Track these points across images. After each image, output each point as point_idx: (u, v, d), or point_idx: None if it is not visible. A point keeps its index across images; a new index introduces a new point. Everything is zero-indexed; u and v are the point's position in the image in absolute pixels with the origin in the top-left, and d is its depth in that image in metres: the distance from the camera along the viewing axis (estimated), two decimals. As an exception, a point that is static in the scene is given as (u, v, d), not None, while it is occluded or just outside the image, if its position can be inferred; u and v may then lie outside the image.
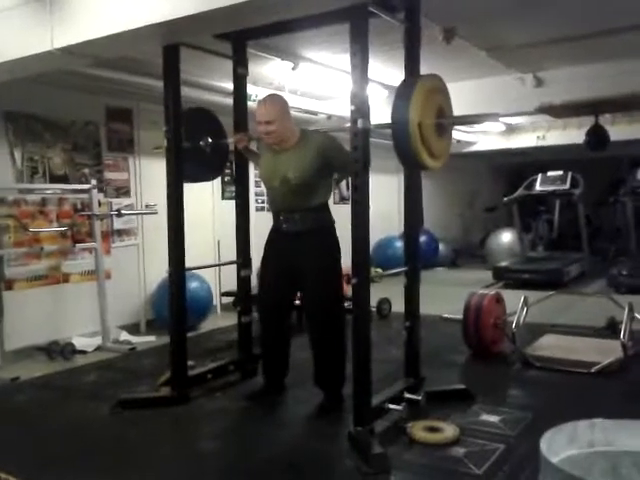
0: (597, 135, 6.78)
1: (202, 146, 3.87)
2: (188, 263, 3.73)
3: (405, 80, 2.98)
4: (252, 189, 6.79)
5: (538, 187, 8.86)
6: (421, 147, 2.73)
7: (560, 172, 8.78)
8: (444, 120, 2.90)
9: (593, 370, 3.95)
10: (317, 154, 3.30)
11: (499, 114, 3.01)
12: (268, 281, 3.60)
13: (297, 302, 3.84)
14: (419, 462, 2.73)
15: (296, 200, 3.37)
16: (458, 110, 5.86)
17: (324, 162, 3.32)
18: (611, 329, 4.85)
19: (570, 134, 8.55)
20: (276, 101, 3.40)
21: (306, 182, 3.32)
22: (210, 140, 3.90)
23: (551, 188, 8.77)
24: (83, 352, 4.86)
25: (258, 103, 3.42)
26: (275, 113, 3.30)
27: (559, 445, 1.51)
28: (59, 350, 4.76)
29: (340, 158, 3.28)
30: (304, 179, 3.31)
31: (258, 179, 7.18)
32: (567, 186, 8.64)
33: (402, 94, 2.75)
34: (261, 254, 3.66)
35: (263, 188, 7.32)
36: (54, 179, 5.11)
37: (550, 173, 8.85)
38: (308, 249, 3.38)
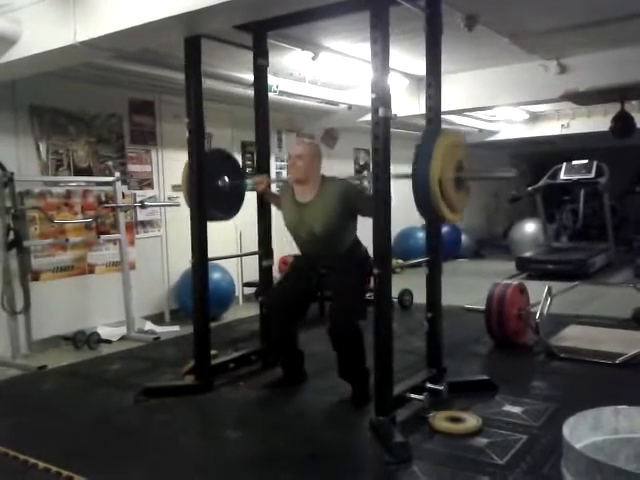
0: (623, 122, 6.64)
1: (220, 186, 3.89)
2: (210, 254, 3.77)
3: (426, 134, 3.00)
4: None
5: (562, 176, 8.73)
6: (441, 202, 2.81)
7: (585, 161, 8.64)
8: (463, 175, 2.95)
9: (618, 361, 3.90)
10: (339, 201, 3.34)
11: (514, 171, 3.13)
12: (289, 282, 3.63)
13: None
14: (441, 452, 2.73)
15: (324, 248, 3.42)
16: (480, 98, 5.86)
17: (346, 207, 3.35)
18: (637, 320, 4.77)
19: (595, 121, 8.40)
20: (311, 144, 3.64)
21: (332, 231, 3.38)
22: (228, 180, 3.93)
23: (576, 177, 8.63)
24: (108, 341, 4.94)
25: (297, 141, 3.58)
26: (307, 151, 3.45)
27: (582, 431, 1.50)
28: (85, 339, 4.84)
29: (361, 200, 3.30)
30: (329, 229, 3.37)
31: (279, 170, 7.23)
32: (592, 175, 8.49)
33: (423, 150, 2.81)
34: (282, 244, 3.68)
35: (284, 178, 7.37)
36: (78, 172, 5.18)
37: (575, 162, 8.71)
38: (336, 272, 3.41)
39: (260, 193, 3.90)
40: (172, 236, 5.88)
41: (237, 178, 4.02)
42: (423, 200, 2.81)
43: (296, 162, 3.42)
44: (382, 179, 2.82)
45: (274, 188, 3.96)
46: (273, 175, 6.80)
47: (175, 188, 3.96)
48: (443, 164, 2.79)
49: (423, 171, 2.76)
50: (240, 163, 4.19)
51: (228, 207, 4.05)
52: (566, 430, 1.43)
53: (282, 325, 3.54)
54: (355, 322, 3.26)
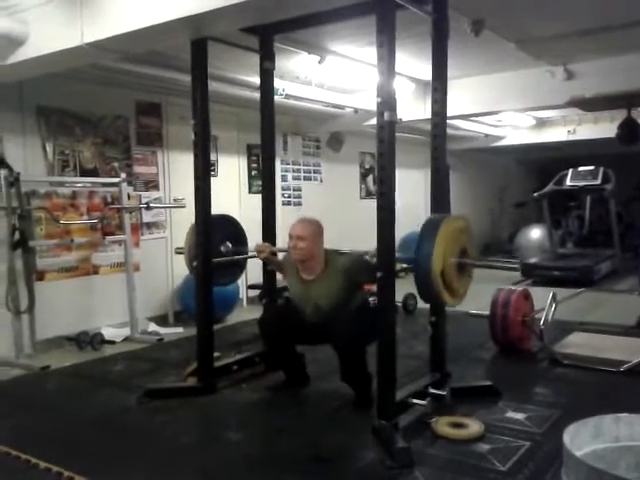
0: (629, 129, 6.62)
1: (223, 252, 3.93)
2: (215, 256, 3.76)
3: (429, 221, 2.96)
4: (278, 183, 6.83)
5: (569, 182, 8.69)
6: (443, 291, 2.82)
7: (591, 167, 8.61)
8: (467, 262, 2.97)
9: (622, 369, 3.88)
10: (343, 278, 3.37)
11: (519, 263, 3.23)
12: (292, 305, 3.64)
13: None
14: (443, 457, 2.72)
15: (330, 318, 3.39)
16: (486, 103, 5.85)
17: (351, 282, 3.39)
18: (642, 327, 4.75)
19: (602, 128, 8.38)
20: (312, 223, 3.52)
21: (338, 305, 3.39)
22: (231, 246, 3.99)
23: (582, 183, 8.60)
24: (112, 342, 4.95)
25: (296, 221, 3.53)
26: (308, 232, 3.41)
27: (583, 439, 1.49)
28: (88, 340, 4.85)
29: (366, 273, 3.28)
30: (336, 304, 3.39)
31: (284, 173, 7.25)
32: (598, 181, 8.46)
33: (425, 240, 2.80)
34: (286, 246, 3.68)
35: (289, 182, 7.40)
36: (84, 172, 5.19)
37: (581, 168, 8.67)
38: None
39: (262, 259, 3.87)
40: (177, 238, 5.87)
41: (240, 244, 4.06)
42: (425, 288, 2.82)
43: (297, 243, 3.40)
44: (387, 183, 2.82)
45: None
46: (278, 178, 6.82)
47: (177, 250, 4.01)
48: (445, 255, 2.79)
49: (425, 262, 2.76)
50: (244, 229, 4.23)
51: (230, 273, 4.11)
52: (567, 438, 1.42)
53: (283, 324, 3.54)
54: (358, 335, 3.23)
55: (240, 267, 4.24)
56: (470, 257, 3.00)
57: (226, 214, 4.17)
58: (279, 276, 4.28)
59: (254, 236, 4.15)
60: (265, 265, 4.11)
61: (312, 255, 3.43)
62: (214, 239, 3.81)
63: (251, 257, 4.09)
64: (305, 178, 7.71)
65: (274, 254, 3.84)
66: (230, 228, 4.12)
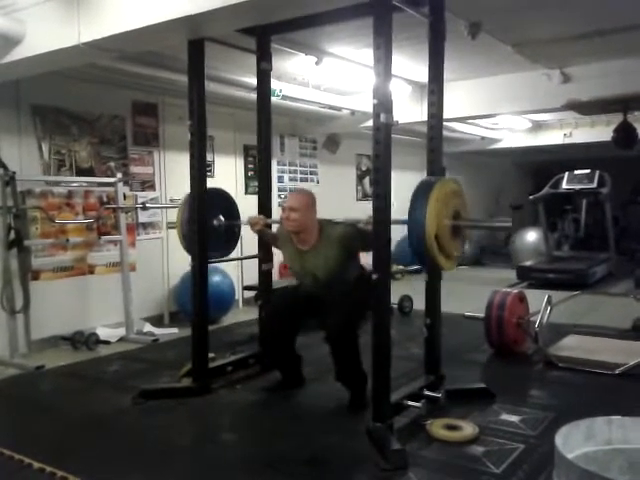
0: (625, 133, 6.64)
1: (215, 226, 3.91)
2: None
3: (421, 184, 2.91)
4: (275, 184, 6.83)
5: (565, 185, 8.73)
6: (438, 255, 2.81)
7: (587, 170, 8.64)
8: (460, 224, 2.95)
9: (617, 371, 3.89)
10: (339, 247, 3.37)
11: (511, 222, 3.22)
12: (289, 299, 3.64)
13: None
14: (437, 459, 2.72)
15: (327, 287, 3.41)
16: (483, 106, 5.85)
17: (346, 251, 3.39)
18: (637, 330, 4.76)
19: (598, 131, 8.40)
20: (304, 194, 3.56)
21: (336, 274, 3.40)
22: (223, 220, 3.96)
23: (578, 187, 8.63)
24: (107, 342, 4.93)
25: (289, 193, 3.51)
26: (300, 203, 3.41)
27: (575, 441, 1.49)
28: (83, 340, 4.84)
29: (361, 241, 3.31)
30: (333, 274, 3.40)
31: (281, 174, 7.25)
32: (594, 185, 8.49)
33: (418, 204, 2.78)
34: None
35: (286, 184, 7.40)
36: (80, 172, 5.18)
37: (577, 171, 8.71)
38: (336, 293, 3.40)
39: (255, 232, 3.87)
40: (173, 238, 5.85)
41: (232, 218, 4.04)
42: (420, 252, 2.80)
43: (290, 215, 3.40)
44: (382, 184, 2.82)
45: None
46: (274, 179, 6.82)
47: (170, 225, 3.98)
48: (439, 219, 2.77)
49: (419, 227, 2.74)
50: (236, 203, 4.19)
51: (223, 246, 4.07)
52: (559, 440, 1.42)
53: (283, 324, 3.52)
54: (350, 327, 3.25)
55: (234, 239, 4.18)
56: (463, 220, 2.98)
57: (218, 187, 4.14)
58: (275, 277, 4.28)
59: (250, 236, 4.15)
60: (260, 265, 4.10)
61: (305, 226, 3.43)
62: (207, 213, 3.78)
63: (250, 286, 4.08)
64: (302, 179, 7.71)
65: (268, 226, 3.84)
66: (222, 201, 4.07)
